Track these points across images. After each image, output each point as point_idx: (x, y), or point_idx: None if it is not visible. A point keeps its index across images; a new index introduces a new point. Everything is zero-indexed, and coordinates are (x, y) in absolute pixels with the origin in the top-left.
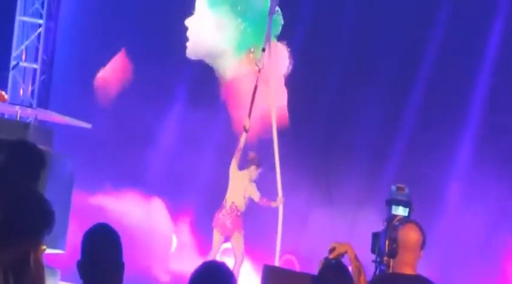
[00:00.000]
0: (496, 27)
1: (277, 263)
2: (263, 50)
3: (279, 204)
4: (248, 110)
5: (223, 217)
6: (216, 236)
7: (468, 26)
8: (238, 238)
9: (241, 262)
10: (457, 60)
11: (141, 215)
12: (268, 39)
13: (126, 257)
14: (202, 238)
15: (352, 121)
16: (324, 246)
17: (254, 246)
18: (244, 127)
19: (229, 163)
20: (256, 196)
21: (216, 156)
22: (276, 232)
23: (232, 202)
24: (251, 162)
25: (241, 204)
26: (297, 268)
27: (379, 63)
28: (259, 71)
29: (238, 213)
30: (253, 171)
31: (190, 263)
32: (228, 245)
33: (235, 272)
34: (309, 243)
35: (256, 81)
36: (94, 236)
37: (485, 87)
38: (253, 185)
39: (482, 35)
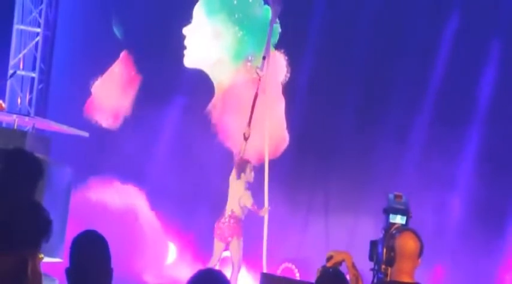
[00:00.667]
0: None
1: (265, 271)
2: (263, 58)
3: (265, 213)
4: (248, 118)
5: (222, 226)
6: (217, 244)
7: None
8: (236, 245)
9: (238, 270)
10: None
11: (137, 224)
12: (268, 48)
13: (123, 265)
14: (202, 247)
15: (349, 130)
16: (324, 254)
17: (252, 254)
18: (244, 135)
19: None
20: (249, 203)
21: (214, 167)
22: (276, 241)
23: (232, 210)
24: (242, 166)
25: (239, 212)
26: (298, 276)
27: (374, 73)
28: (260, 79)
29: (237, 220)
30: (249, 174)
31: (189, 272)
32: (228, 253)
33: (232, 280)
34: (309, 251)
35: (257, 89)
36: (82, 243)
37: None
38: (248, 193)
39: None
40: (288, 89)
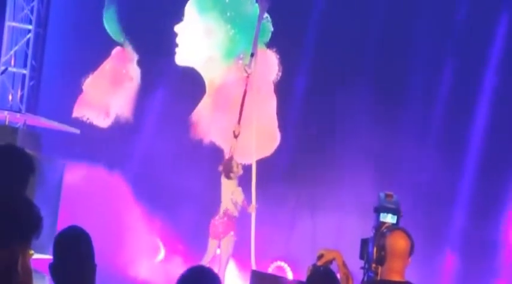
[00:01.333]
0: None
1: (254, 268)
2: (251, 55)
3: (252, 211)
4: (238, 116)
5: (217, 223)
6: (211, 242)
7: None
8: (227, 242)
9: (226, 266)
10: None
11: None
12: (255, 44)
13: (109, 260)
14: (189, 243)
15: (341, 129)
16: (315, 253)
17: (242, 252)
18: (234, 133)
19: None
20: (240, 199)
21: (204, 165)
22: (268, 239)
23: (226, 208)
24: (228, 166)
25: (233, 209)
26: (290, 274)
27: (367, 70)
28: (248, 76)
29: (231, 217)
30: (236, 170)
31: (175, 267)
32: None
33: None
34: (301, 249)
35: (246, 86)
36: (65, 239)
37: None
38: (239, 189)
39: None
40: (281, 88)
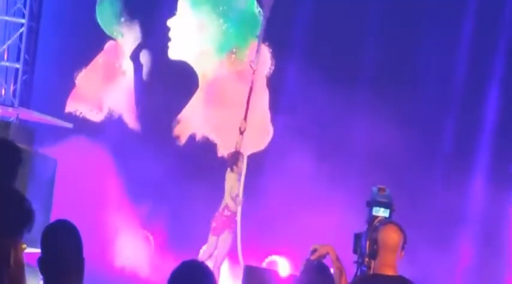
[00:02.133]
0: None
1: (241, 263)
2: (257, 51)
3: (238, 205)
4: (244, 112)
5: (217, 220)
6: (210, 239)
7: None
8: (226, 239)
9: (221, 262)
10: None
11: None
12: (260, 41)
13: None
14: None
15: (340, 123)
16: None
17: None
18: (240, 129)
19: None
20: (238, 192)
21: (196, 159)
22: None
23: (226, 204)
24: (234, 158)
25: (232, 204)
26: (285, 269)
27: (363, 65)
28: (254, 73)
29: (229, 213)
30: (240, 166)
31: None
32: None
33: (214, 271)
34: (295, 244)
35: (252, 83)
36: (53, 233)
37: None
38: (238, 183)
39: None
40: (273, 81)
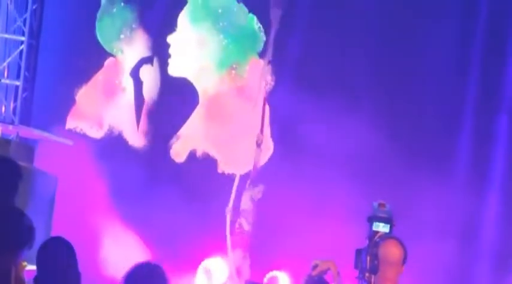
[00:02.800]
0: None
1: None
2: (268, 63)
3: (227, 213)
4: (260, 125)
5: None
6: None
7: None
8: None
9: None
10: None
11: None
12: (269, 53)
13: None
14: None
15: (339, 135)
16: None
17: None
18: (256, 142)
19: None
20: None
21: (197, 176)
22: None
23: (239, 222)
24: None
25: (244, 222)
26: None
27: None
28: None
29: (240, 232)
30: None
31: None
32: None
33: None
34: (297, 259)
35: (264, 97)
36: (48, 250)
37: None
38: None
39: None
40: (271, 97)
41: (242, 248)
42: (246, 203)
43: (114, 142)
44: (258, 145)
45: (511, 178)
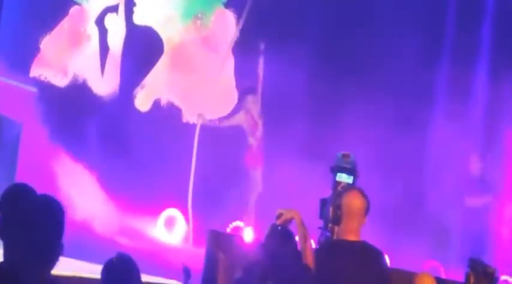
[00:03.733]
0: None
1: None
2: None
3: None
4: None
5: None
6: None
7: None
8: None
9: None
10: None
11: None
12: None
13: None
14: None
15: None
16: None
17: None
18: None
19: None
20: None
21: (162, 125)
22: None
23: None
24: None
25: None
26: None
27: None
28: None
29: None
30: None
31: None
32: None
33: None
34: (262, 210)
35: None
36: (11, 196)
37: None
38: None
39: None
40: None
41: None
42: None
43: (78, 90)
44: None
45: None
